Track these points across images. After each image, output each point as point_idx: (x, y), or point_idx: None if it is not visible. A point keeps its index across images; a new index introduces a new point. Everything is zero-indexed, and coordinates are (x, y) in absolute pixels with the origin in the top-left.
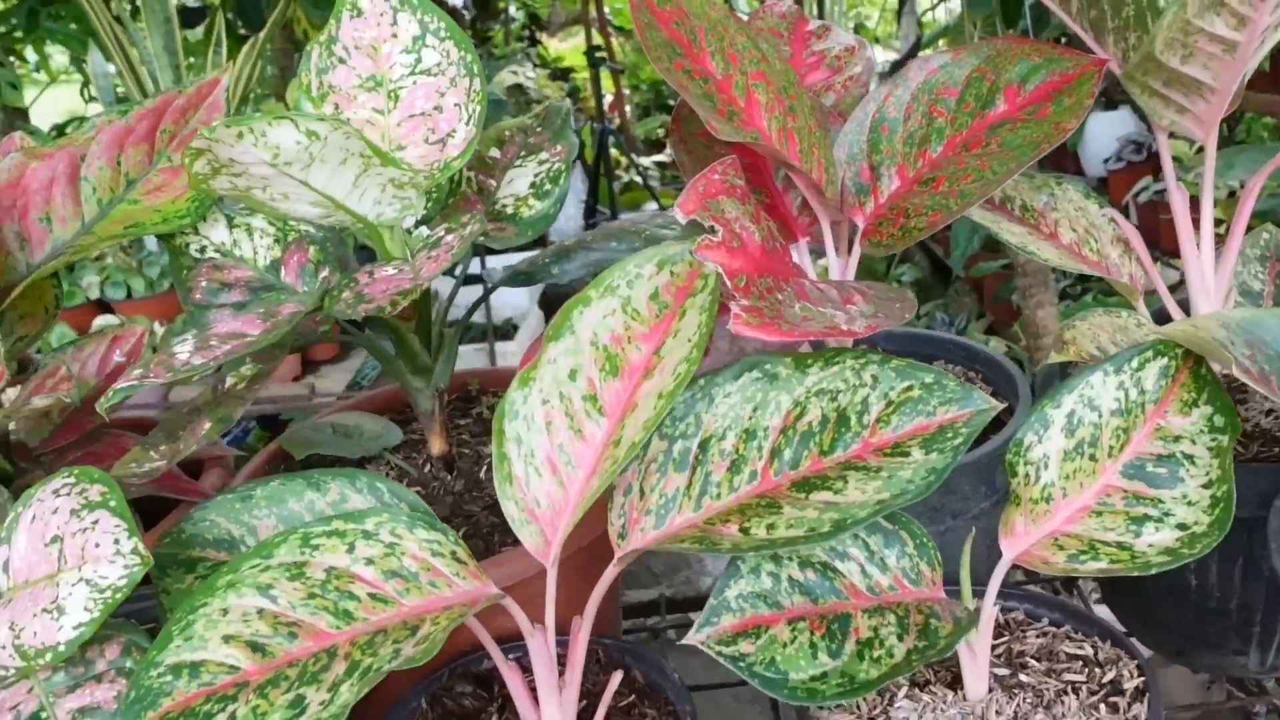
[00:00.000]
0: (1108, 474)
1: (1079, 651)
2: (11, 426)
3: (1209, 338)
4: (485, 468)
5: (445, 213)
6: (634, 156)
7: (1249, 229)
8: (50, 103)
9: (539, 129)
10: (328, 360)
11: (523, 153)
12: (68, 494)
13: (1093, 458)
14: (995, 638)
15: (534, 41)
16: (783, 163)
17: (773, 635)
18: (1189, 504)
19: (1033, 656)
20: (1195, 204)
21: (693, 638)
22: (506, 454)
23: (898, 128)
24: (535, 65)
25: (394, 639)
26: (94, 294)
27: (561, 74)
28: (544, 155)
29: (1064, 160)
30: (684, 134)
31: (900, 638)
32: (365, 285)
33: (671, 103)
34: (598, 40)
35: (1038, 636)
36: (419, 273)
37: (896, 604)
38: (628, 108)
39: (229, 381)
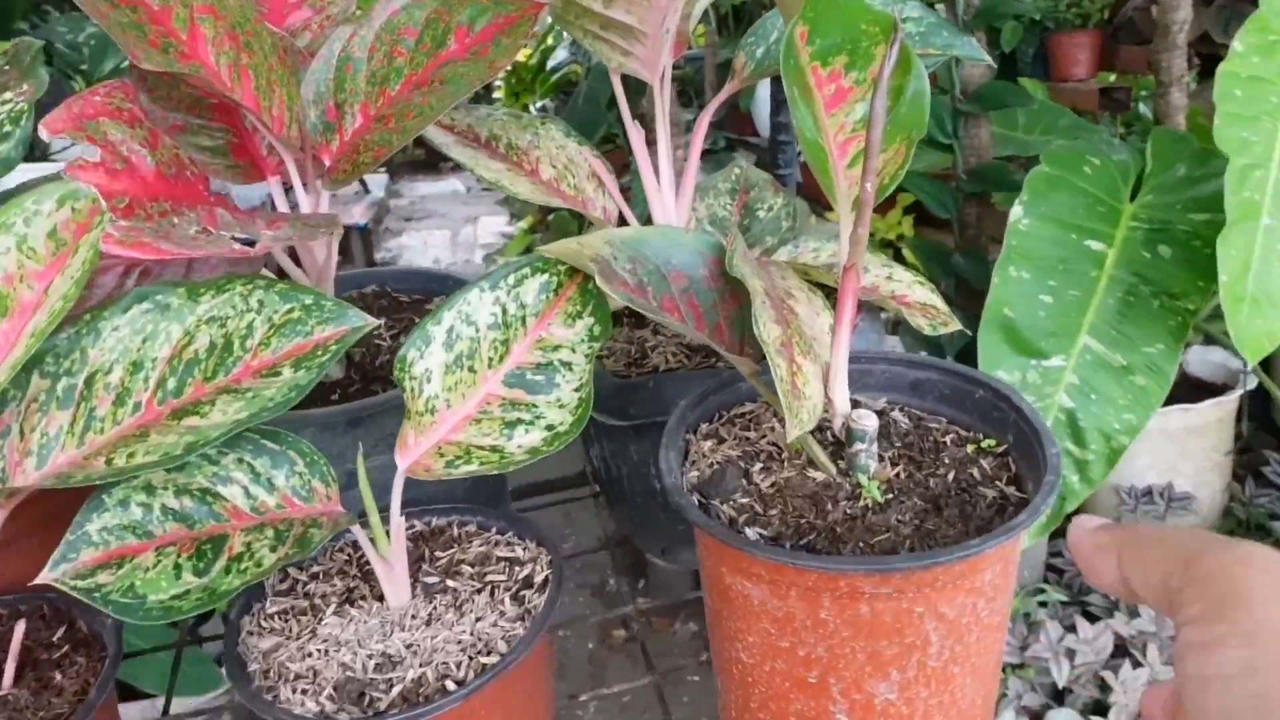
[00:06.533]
0: (490, 384)
1: (509, 554)
2: None
3: (586, 253)
4: None
5: None
6: None
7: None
8: None
9: (6, 67)
10: None
11: None
12: None
13: (472, 369)
14: (444, 549)
15: None
16: (225, 98)
17: (136, 563)
18: (560, 406)
19: (469, 563)
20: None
21: (46, 576)
22: None
23: (362, 67)
24: None
25: None
26: None
27: None
28: (8, 95)
29: (742, 123)
30: (141, 74)
31: (274, 549)
32: None
33: None
34: None
35: (481, 545)
36: None
37: (281, 520)
38: None
39: None
